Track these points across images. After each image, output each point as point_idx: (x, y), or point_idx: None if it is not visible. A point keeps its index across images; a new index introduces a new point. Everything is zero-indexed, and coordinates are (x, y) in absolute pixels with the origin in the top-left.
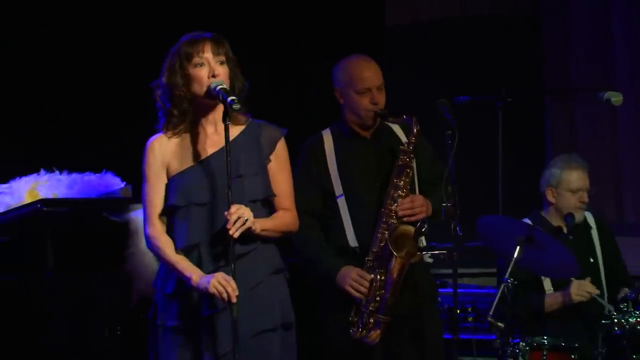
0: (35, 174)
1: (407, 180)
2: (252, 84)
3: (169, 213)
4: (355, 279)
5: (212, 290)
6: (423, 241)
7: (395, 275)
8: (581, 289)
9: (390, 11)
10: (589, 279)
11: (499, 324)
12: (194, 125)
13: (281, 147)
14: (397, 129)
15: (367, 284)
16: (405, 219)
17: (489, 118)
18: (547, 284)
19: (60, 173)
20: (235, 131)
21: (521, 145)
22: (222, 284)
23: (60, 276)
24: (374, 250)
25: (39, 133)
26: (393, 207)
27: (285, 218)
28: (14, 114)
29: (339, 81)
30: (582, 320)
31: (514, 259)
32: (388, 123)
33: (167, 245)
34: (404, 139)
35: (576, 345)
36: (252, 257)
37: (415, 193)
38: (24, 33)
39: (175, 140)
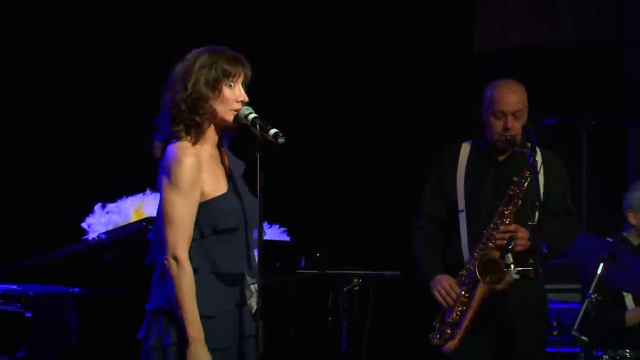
0: (141, 194)
1: (513, 210)
2: (344, 109)
3: (212, 235)
4: (445, 287)
5: None
6: (509, 258)
7: (477, 296)
8: None
9: (478, 38)
10: None
11: (583, 337)
12: (207, 141)
13: None
14: (537, 157)
15: (455, 295)
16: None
17: (574, 140)
18: (628, 300)
19: None
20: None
21: (604, 167)
22: None
23: None
24: (468, 266)
25: (145, 152)
26: (494, 233)
27: None
28: (123, 134)
29: (484, 100)
30: None
31: (597, 276)
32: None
33: (192, 278)
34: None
35: None
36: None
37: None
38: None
39: (202, 154)
